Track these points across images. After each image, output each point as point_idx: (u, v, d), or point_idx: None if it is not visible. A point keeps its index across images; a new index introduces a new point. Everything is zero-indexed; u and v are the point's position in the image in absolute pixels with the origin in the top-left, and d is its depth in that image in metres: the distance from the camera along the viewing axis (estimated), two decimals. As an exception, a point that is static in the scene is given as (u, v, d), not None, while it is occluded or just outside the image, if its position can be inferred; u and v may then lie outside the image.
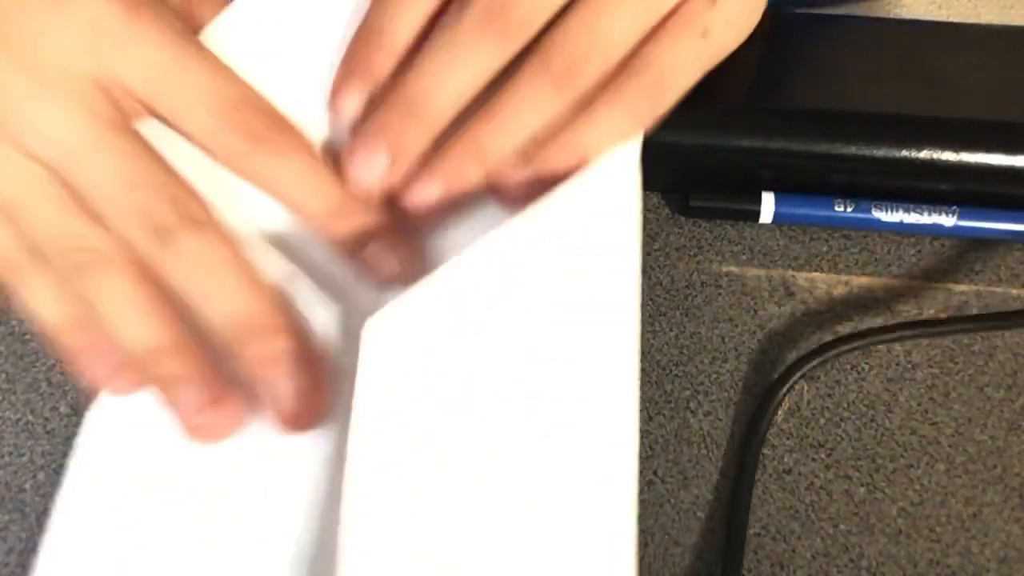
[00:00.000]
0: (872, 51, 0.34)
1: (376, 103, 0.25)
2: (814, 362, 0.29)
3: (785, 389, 0.29)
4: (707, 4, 0.24)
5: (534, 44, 0.24)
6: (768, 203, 0.31)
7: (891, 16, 0.39)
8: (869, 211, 0.31)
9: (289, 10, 0.27)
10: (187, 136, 0.25)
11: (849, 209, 0.31)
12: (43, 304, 0.25)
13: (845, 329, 0.31)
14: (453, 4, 0.24)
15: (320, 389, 0.25)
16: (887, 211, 0.31)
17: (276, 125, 0.25)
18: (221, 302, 0.24)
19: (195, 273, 0.24)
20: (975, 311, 0.31)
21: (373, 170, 0.25)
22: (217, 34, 0.26)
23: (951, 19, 0.38)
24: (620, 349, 0.24)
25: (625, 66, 0.25)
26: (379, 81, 0.25)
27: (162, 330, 0.25)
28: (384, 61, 0.25)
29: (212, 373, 0.25)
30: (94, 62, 0.24)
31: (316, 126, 0.27)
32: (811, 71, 0.33)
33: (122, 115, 0.24)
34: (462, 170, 0.25)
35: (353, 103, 0.25)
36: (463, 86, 0.24)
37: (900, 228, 0.32)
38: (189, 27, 0.25)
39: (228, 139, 0.24)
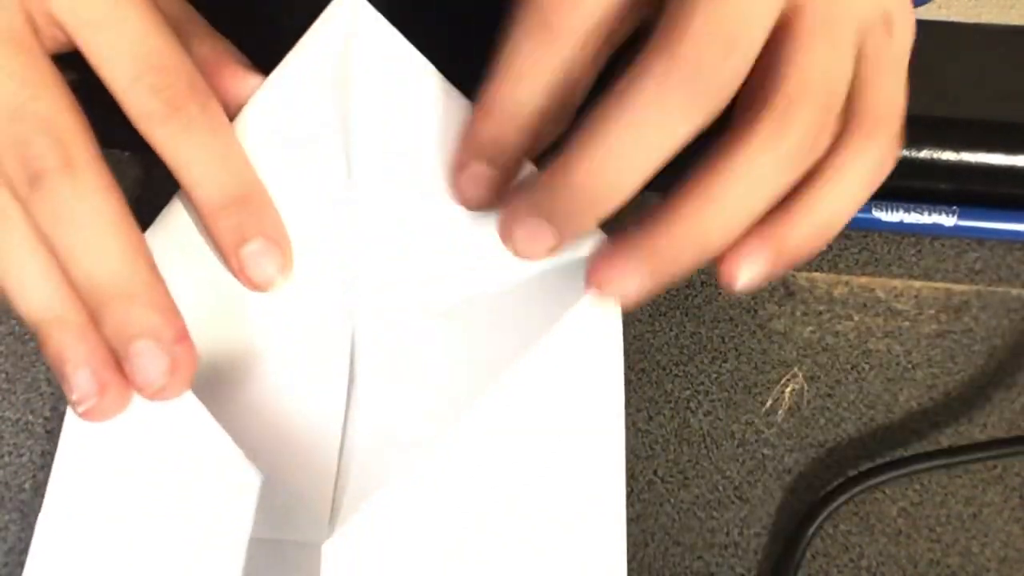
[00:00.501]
0: (872, 51, 0.34)
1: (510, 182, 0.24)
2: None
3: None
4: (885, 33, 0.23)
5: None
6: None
7: (891, 16, 0.39)
8: (869, 211, 0.31)
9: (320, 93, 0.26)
10: (104, 82, 0.23)
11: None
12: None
13: (845, 329, 0.31)
14: (628, 67, 0.21)
15: (180, 368, 0.23)
16: (887, 211, 0.31)
17: (198, 98, 0.23)
18: (83, 261, 0.23)
19: (59, 224, 0.22)
20: (975, 311, 0.31)
21: (539, 248, 0.23)
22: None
23: (951, 19, 0.38)
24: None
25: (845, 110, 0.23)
26: (510, 160, 0.23)
27: (53, 301, 0.23)
28: (516, 138, 0.23)
29: (101, 354, 0.23)
30: None
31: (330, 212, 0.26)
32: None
33: (31, 35, 0.23)
34: (679, 262, 0.22)
35: (479, 185, 0.24)
36: (646, 165, 0.21)
37: (900, 228, 0.31)
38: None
39: (144, 98, 0.23)
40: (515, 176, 0.24)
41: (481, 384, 0.26)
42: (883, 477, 0.27)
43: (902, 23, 0.24)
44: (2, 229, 0.23)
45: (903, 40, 0.24)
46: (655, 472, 0.28)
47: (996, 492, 0.28)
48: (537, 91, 0.23)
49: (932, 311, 0.31)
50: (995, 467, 0.28)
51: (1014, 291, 0.31)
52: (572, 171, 0.22)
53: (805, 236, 0.23)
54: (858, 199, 0.23)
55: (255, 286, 0.25)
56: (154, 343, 0.23)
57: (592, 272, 0.23)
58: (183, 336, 0.23)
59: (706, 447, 0.28)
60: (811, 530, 0.27)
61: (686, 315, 0.31)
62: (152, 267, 0.23)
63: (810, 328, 0.31)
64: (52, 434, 0.28)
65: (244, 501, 0.26)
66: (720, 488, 0.28)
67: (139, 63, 0.23)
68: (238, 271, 0.25)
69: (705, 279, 0.31)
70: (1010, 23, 0.36)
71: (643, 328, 0.30)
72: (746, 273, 0.23)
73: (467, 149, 0.24)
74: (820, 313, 0.31)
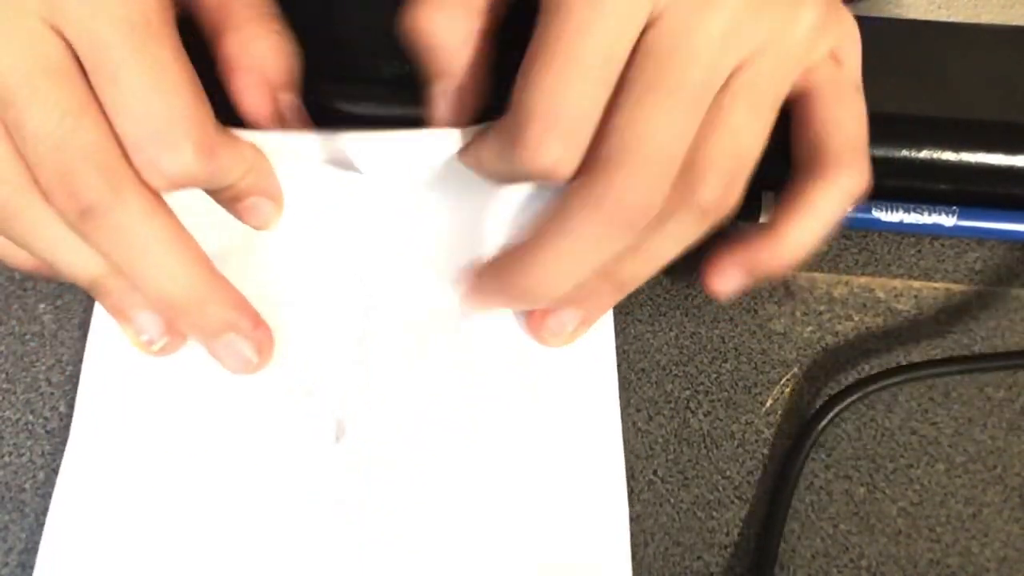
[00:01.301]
0: (872, 51, 0.34)
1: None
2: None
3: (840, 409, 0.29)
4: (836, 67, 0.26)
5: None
6: (768, 202, 0.31)
7: (891, 16, 0.39)
8: (869, 211, 0.31)
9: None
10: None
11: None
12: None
13: (845, 329, 0.31)
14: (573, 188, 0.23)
15: (264, 348, 0.27)
16: (887, 211, 0.31)
17: (199, 167, 0.23)
18: (150, 282, 0.24)
19: (117, 250, 0.23)
20: (975, 312, 0.31)
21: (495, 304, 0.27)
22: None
23: (951, 19, 0.38)
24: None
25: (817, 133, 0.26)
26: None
27: (102, 260, 0.25)
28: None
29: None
30: (46, 7, 0.22)
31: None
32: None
33: (71, 63, 0.22)
34: (605, 306, 0.28)
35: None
36: (578, 274, 0.25)
37: (900, 228, 0.31)
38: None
39: (139, 156, 0.23)
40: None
41: (478, 382, 0.27)
42: (883, 478, 0.27)
43: (848, 50, 0.26)
44: (48, 224, 0.24)
45: (853, 65, 0.27)
46: (655, 472, 0.28)
47: (996, 492, 0.28)
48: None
49: (932, 311, 0.31)
50: (995, 467, 0.28)
51: (1014, 291, 0.31)
52: (520, 275, 0.25)
53: (776, 258, 0.26)
54: (828, 226, 0.26)
55: (255, 226, 0.27)
56: (236, 335, 0.26)
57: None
58: (258, 321, 0.27)
59: (706, 447, 0.28)
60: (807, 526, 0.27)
61: (686, 315, 0.31)
62: (212, 269, 0.25)
63: (810, 328, 0.31)
64: (52, 434, 0.28)
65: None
66: (720, 488, 0.28)
67: (141, 127, 0.22)
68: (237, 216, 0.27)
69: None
70: (1010, 23, 0.36)
71: (643, 328, 0.30)
72: (722, 286, 0.27)
73: None
74: (820, 313, 0.31)
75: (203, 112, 0.23)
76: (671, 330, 0.30)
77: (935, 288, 0.32)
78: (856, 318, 0.31)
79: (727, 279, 0.27)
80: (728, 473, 0.28)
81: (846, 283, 0.32)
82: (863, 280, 0.32)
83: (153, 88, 0.22)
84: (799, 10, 0.24)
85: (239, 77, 0.26)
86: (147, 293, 0.24)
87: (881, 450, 0.29)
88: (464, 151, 0.26)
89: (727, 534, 0.27)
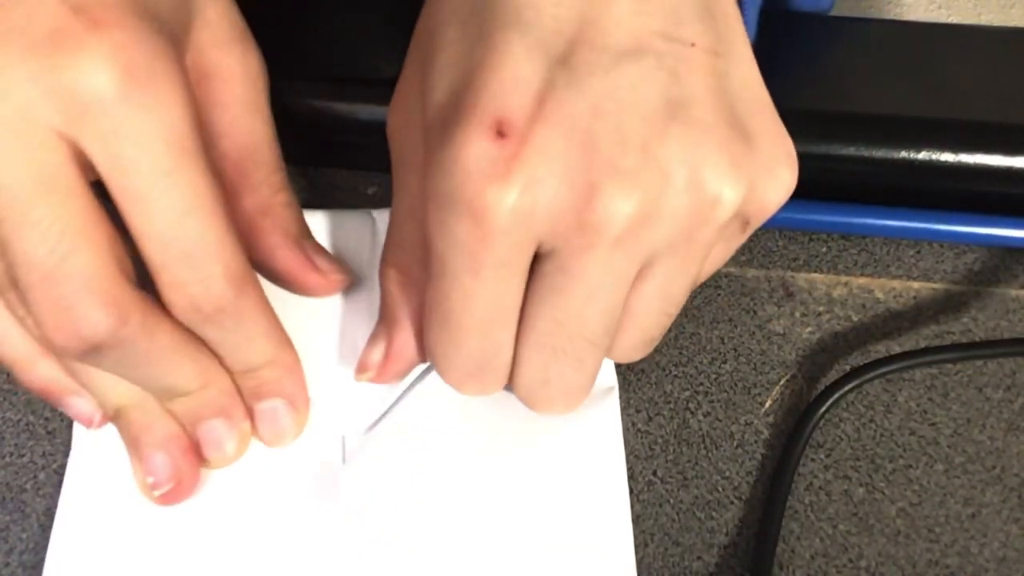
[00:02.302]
0: (872, 52, 0.34)
1: None
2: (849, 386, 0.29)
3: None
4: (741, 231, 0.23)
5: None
6: None
7: (891, 17, 0.39)
8: (869, 214, 0.31)
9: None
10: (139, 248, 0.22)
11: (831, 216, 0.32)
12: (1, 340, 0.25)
13: (844, 330, 0.31)
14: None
15: (301, 427, 0.27)
16: (887, 215, 0.31)
17: (231, 286, 0.23)
18: (169, 383, 0.24)
19: (135, 371, 0.23)
20: (974, 313, 0.31)
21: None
22: None
23: (951, 20, 0.38)
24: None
25: None
26: None
27: (131, 390, 0.25)
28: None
29: (177, 440, 0.25)
30: (62, 118, 0.21)
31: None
32: (810, 72, 0.33)
33: (73, 172, 0.21)
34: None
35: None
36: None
37: (899, 232, 0.32)
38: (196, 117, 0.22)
39: (169, 292, 0.22)
40: None
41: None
42: (883, 480, 0.28)
43: (758, 219, 0.23)
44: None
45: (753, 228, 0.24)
46: (655, 473, 0.28)
47: (995, 492, 0.28)
48: None
49: (931, 312, 0.31)
50: (994, 467, 0.28)
51: (1013, 292, 0.31)
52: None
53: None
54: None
55: (265, 443, 0.27)
56: (224, 421, 0.26)
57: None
58: (307, 402, 0.27)
59: (705, 448, 0.29)
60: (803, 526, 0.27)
61: (685, 316, 0.31)
62: (214, 360, 0.25)
63: (809, 329, 0.31)
64: (53, 435, 0.28)
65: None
66: (720, 489, 0.28)
67: (169, 250, 0.22)
68: (254, 428, 0.26)
69: (705, 280, 0.31)
70: (1010, 24, 0.36)
71: (643, 329, 0.30)
72: None
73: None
74: (819, 314, 0.31)
75: (236, 245, 0.23)
76: (670, 331, 0.30)
77: (934, 289, 0.32)
78: (855, 319, 0.31)
79: None
80: (727, 473, 0.28)
81: (845, 284, 0.32)
82: (862, 281, 0.32)
83: (186, 214, 0.21)
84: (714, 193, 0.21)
85: (266, 238, 0.26)
86: (153, 391, 0.25)
87: (880, 450, 0.29)
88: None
89: (726, 534, 0.27)
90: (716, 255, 0.24)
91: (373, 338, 0.26)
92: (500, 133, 0.20)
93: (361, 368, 0.26)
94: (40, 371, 0.25)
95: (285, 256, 0.26)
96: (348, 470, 0.27)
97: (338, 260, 0.28)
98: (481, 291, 0.22)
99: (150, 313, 0.22)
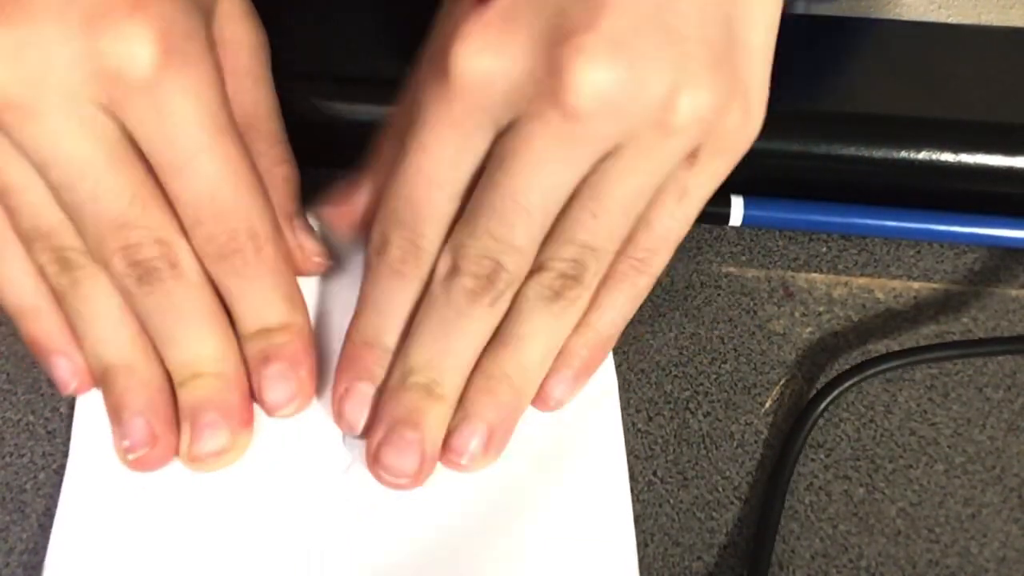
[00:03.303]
0: (872, 51, 0.34)
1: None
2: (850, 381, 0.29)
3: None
4: (686, 166, 0.24)
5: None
6: (737, 207, 0.31)
7: (891, 17, 0.39)
8: (869, 215, 0.31)
9: None
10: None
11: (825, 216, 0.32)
12: (13, 286, 0.25)
13: (844, 330, 0.31)
14: (436, 281, 0.25)
15: (233, 450, 0.26)
16: (887, 216, 0.31)
17: (254, 242, 0.25)
18: (183, 343, 0.25)
19: (164, 314, 0.25)
20: (974, 313, 0.31)
21: (411, 463, 0.25)
22: None
23: (951, 20, 0.38)
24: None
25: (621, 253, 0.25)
26: (379, 380, 0.26)
27: (126, 349, 0.25)
28: (382, 361, 0.26)
29: (159, 408, 0.25)
30: (105, 95, 0.22)
31: None
32: (810, 71, 0.33)
33: (128, 146, 0.23)
34: (502, 405, 0.25)
35: (361, 413, 0.26)
36: (469, 356, 0.25)
37: (899, 233, 0.32)
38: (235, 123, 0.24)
39: (201, 242, 0.24)
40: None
41: None
42: (881, 483, 0.28)
43: (712, 150, 0.24)
44: (86, 284, 0.25)
45: (711, 166, 0.24)
46: (655, 473, 0.28)
47: (995, 492, 0.28)
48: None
49: (931, 312, 0.31)
50: (994, 467, 0.28)
51: (1012, 292, 0.31)
52: (404, 372, 0.25)
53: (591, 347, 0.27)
54: (624, 320, 0.27)
55: (266, 408, 0.26)
56: (223, 420, 0.25)
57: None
58: (247, 423, 0.26)
59: (705, 448, 0.29)
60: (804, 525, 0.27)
61: (685, 316, 0.31)
62: (240, 357, 0.26)
63: (809, 329, 0.31)
64: (53, 435, 0.28)
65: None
66: (720, 489, 0.28)
67: (201, 211, 0.24)
68: (256, 391, 0.26)
69: (704, 280, 0.31)
70: (1010, 24, 0.36)
71: (642, 329, 0.30)
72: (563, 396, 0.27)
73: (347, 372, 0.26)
74: (819, 314, 0.31)
75: (264, 208, 0.25)
76: (670, 331, 0.30)
77: (934, 289, 0.32)
78: (855, 319, 0.31)
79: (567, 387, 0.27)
80: (727, 473, 0.28)
81: (845, 284, 0.32)
82: (862, 281, 0.32)
83: (222, 182, 0.24)
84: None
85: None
86: (174, 353, 0.25)
87: (880, 451, 0.29)
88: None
89: (726, 534, 0.27)
90: (688, 184, 0.24)
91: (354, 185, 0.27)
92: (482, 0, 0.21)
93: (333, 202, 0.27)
94: (42, 323, 0.26)
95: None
96: (351, 474, 0.27)
97: (324, 244, 0.28)
98: (435, 146, 0.23)
99: (195, 262, 0.25)
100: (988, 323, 0.31)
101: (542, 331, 0.25)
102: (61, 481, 0.27)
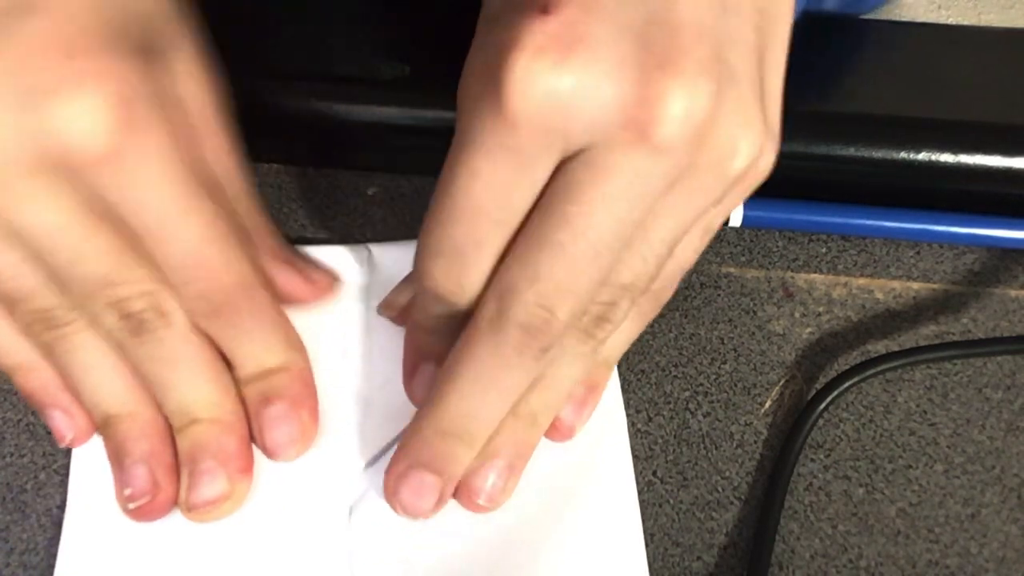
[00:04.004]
0: (872, 51, 0.34)
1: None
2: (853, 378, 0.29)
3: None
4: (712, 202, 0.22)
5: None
6: (737, 207, 0.31)
7: (891, 17, 0.39)
8: (867, 217, 0.31)
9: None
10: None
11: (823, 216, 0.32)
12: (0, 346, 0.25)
13: (843, 330, 0.31)
14: (480, 322, 0.23)
15: (232, 498, 0.25)
16: (888, 217, 0.31)
17: (244, 293, 0.24)
18: (180, 391, 0.25)
19: (158, 363, 0.24)
20: (974, 313, 0.31)
21: (427, 505, 0.24)
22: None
23: (951, 20, 0.38)
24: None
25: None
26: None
27: (124, 398, 0.25)
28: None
29: (161, 456, 0.25)
30: (69, 178, 0.21)
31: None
32: (810, 72, 0.33)
33: (100, 198, 0.22)
34: (523, 442, 0.25)
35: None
36: (498, 405, 0.24)
37: (899, 234, 0.32)
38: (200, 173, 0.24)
39: (193, 301, 0.24)
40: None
41: None
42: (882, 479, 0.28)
43: (741, 190, 0.22)
44: (75, 339, 0.24)
45: (733, 203, 0.23)
46: (654, 473, 0.28)
47: (994, 493, 0.28)
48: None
49: (931, 312, 0.31)
50: (993, 468, 0.28)
51: (1012, 292, 0.31)
52: (438, 419, 0.23)
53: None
54: (629, 344, 0.27)
55: (267, 451, 0.26)
56: (221, 466, 0.25)
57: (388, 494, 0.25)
58: (247, 469, 0.26)
59: (705, 448, 0.29)
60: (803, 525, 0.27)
61: (685, 316, 0.31)
62: (239, 403, 0.26)
63: (809, 329, 0.31)
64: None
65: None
66: (719, 489, 0.28)
67: (188, 272, 0.23)
68: (257, 434, 0.26)
69: (704, 280, 0.31)
70: (1010, 24, 0.36)
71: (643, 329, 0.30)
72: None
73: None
74: (819, 315, 0.31)
75: (245, 257, 0.24)
76: (670, 331, 0.30)
77: (933, 289, 0.32)
78: (855, 319, 0.31)
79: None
80: (727, 474, 0.28)
81: (845, 284, 0.32)
82: (862, 281, 0.32)
83: (203, 242, 0.23)
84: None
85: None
86: (171, 400, 0.25)
87: (880, 451, 0.29)
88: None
89: (726, 534, 0.27)
90: (712, 219, 0.24)
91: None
92: (543, 9, 0.19)
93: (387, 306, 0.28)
94: (36, 377, 0.26)
95: (285, 276, 0.27)
96: (356, 517, 0.26)
97: (322, 267, 0.29)
98: (487, 172, 0.20)
99: (180, 312, 0.24)
100: (988, 323, 0.31)
101: (573, 371, 0.25)
102: (61, 481, 0.27)
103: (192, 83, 0.24)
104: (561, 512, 0.27)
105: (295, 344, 0.27)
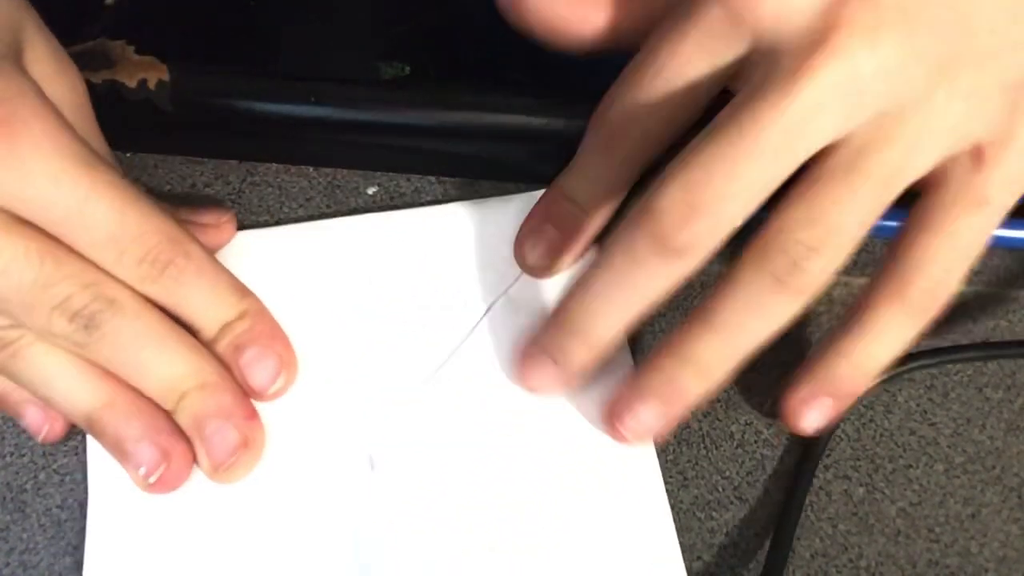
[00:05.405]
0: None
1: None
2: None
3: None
4: (973, 168, 0.23)
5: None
6: None
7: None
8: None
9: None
10: (94, 261, 0.24)
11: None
12: None
13: (844, 330, 0.31)
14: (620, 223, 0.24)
15: (251, 444, 0.26)
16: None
17: (181, 248, 0.24)
18: (154, 370, 0.25)
19: (122, 351, 0.24)
20: (974, 313, 0.31)
21: (547, 380, 0.26)
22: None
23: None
24: None
25: (896, 259, 0.25)
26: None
27: (98, 392, 0.25)
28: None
29: (156, 426, 0.25)
30: None
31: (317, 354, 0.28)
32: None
33: (12, 217, 0.23)
34: (685, 390, 0.26)
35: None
36: (625, 312, 0.25)
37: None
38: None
39: (133, 269, 0.24)
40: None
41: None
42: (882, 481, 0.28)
43: (998, 154, 0.23)
44: (27, 354, 0.24)
45: (1000, 174, 0.23)
46: (655, 473, 0.28)
47: (994, 492, 0.28)
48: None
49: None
50: (994, 467, 0.28)
51: (1013, 292, 0.31)
52: (566, 317, 0.26)
53: (851, 380, 0.26)
54: (890, 354, 0.26)
55: (257, 393, 0.26)
56: (226, 421, 0.25)
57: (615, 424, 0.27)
58: (253, 414, 0.26)
59: (705, 448, 0.29)
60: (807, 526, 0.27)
61: (685, 316, 0.31)
62: (215, 360, 0.26)
63: (809, 329, 0.31)
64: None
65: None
66: (720, 489, 0.28)
67: (119, 242, 0.23)
68: (242, 383, 0.26)
69: (704, 280, 0.31)
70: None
71: (643, 329, 0.30)
72: (812, 422, 0.27)
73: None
74: (819, 314, 0.31)
75: (166, 214, 0.25)
76: (671, 331, 0.30)
77: (934, 289, 0.31)
78: (855, 319, 0.31)
79: (817, 412, 0.26)
80: (727, 474, 0.28)
81: (845, 284, 0.32)
82: (863, 281, 0.32)
83: (123, 212, 0.23)
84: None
85: None
86: (149, 382, 0.25)
87: (880, 450, 0.29)
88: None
89: (726, 534, 0.27)
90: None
91: None
92: None
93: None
94: (4, 380, 0.26)
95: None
96: (378, 480, 0.26)
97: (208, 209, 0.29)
98: (748, 158, 0.22)
99: (127, 289, 0.24)
100: (988, 323, 0.31)
101: (758, 324, 0.25)
102: (61, 481, 0.27)
103: (52, 87, 0.24)
104: (591, 510, 0.27)
105: (241, 288, 0.26)
